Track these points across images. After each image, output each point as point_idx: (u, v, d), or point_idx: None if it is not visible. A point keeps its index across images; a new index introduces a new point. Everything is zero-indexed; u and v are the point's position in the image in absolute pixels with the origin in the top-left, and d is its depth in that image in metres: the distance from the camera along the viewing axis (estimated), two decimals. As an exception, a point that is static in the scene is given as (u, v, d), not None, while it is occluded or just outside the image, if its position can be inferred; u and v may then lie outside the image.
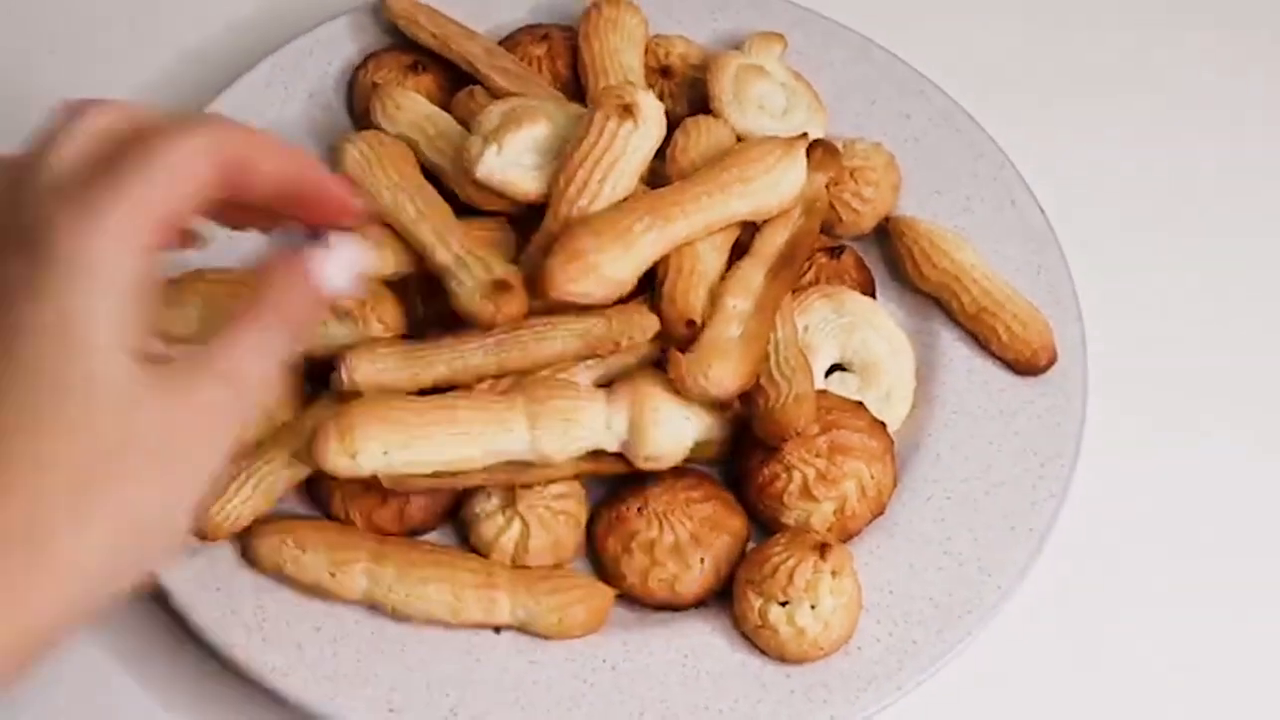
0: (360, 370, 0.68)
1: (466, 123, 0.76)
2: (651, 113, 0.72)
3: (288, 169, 0.51)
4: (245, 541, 0.67)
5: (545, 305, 0.69)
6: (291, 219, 0.54)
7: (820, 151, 0.75)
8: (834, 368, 0.74)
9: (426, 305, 0.73)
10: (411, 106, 0.76)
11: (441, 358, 0.69)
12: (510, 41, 0.83)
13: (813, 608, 0.65)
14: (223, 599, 0.66)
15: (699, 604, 0.68)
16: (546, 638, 0.66)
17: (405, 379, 0.68)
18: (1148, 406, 0.78)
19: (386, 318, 0.70)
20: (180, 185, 0.47)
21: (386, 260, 0.72)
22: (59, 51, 0.89)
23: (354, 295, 0.58)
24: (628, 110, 0.71)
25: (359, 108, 0.81)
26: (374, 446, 0.64)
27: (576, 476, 0.69)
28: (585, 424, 0.67)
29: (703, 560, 0.68)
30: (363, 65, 0.82)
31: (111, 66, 0.88)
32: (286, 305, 0.52)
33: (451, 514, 0.71)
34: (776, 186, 0.72)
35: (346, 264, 0.54)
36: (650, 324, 0.69)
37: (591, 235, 0.68)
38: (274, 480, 0.67)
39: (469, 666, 0.66)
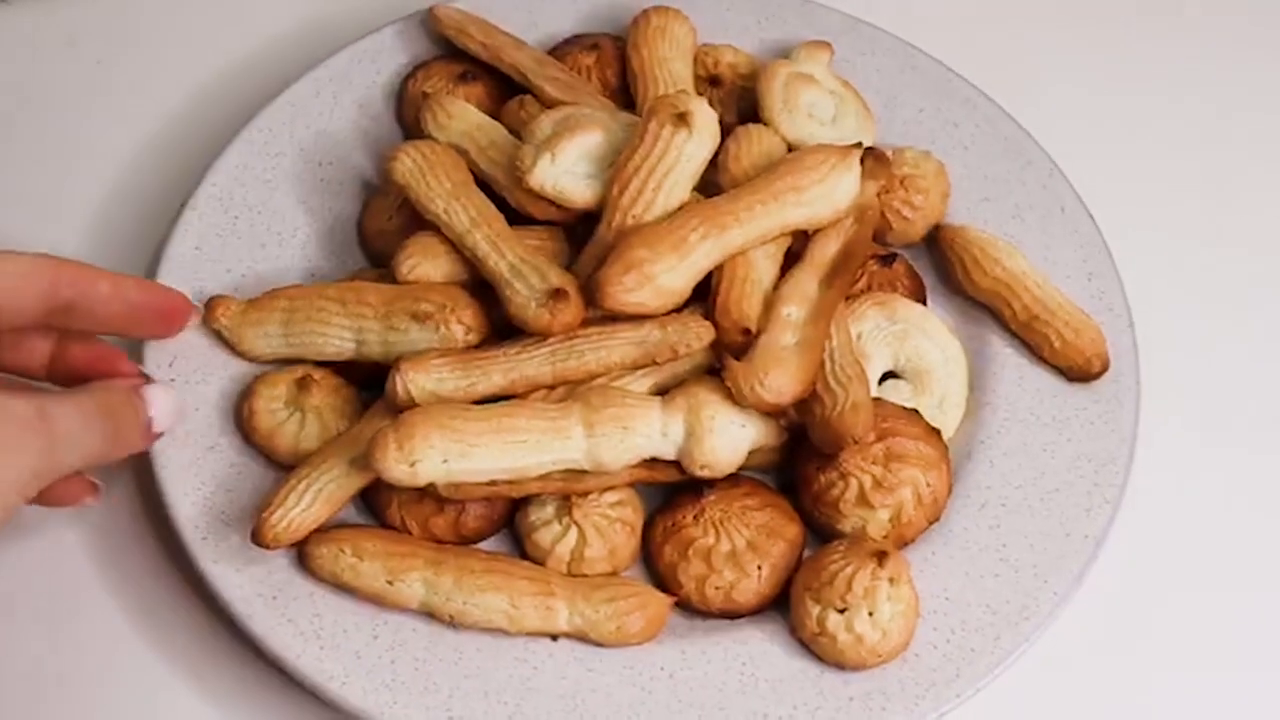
0: (416, 381, 0.68)
1: (517, 132, 0.76)
2: (705, 121, 0.72)
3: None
4: (302, 550, 0.67)
5: (600, 315, 0.70)
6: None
7: (871, 160, 0.75)
8: (887, 375, 0.74)
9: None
10: (462, 115, 0.77)
11: (497, 368, 0.69)
12: (559, 51, 0.83)
13: (870, 615, 0.65)
14: (279, 607, 0.66)
15: (756, 612, 0.68)
16: (604, 646, 0.66)
17: (461, 390, 0.68)
18: (1201, 411, 0.78)
19: (467, 319, 0.70)
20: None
21: (440, 269, 0.72)
22: (105, 62, 0.89)
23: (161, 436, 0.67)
24: (682, 119, 0.71)
25: (408, 117, 0.82)
26: (433, 455, 0.64)
27: (632, 484, 0.69)
28: (641, 432, 0.67)
29: (760, 568, 0.68)
30: (412, 75, 0.82)
31: (162, 78, 0.89)
32: (116, 410, 0.63)
33: (507, 522, 0.71)
34: (831, 195, 0.72)
35: (171, 411, 0.66)
36: (706, 331, 0.69)
37: (646, 245, 0.69)
38: (334, 489, 0.67)
39: (526, 675, 0.66)
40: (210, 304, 0.73)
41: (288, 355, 0.73)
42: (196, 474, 0.69)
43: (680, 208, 0.71)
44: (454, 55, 0.83)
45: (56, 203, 0.83)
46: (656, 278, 0.69)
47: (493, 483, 0.67)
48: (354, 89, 0.83)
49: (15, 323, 0.62)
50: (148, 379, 0.68)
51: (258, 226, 0.77)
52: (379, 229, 0.77)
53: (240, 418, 0.71)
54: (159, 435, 0.66)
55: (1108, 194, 0.81)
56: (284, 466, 0.70)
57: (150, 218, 0.82)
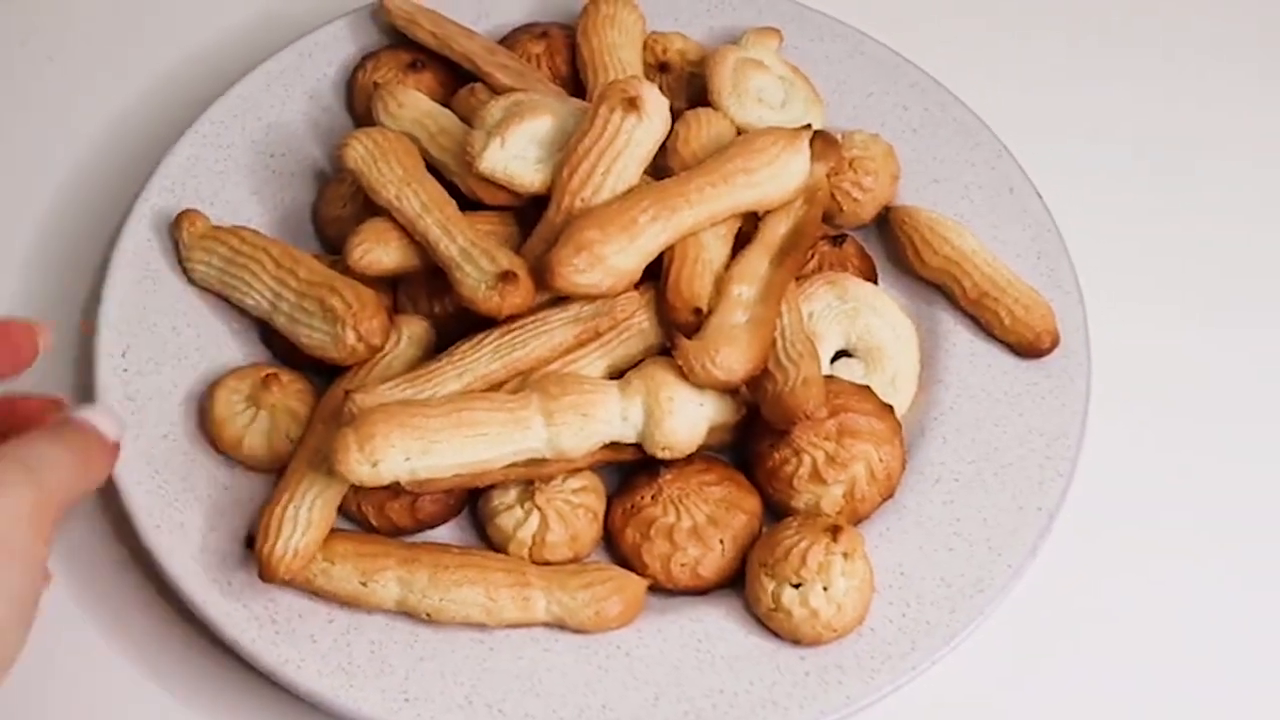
0: (365, 404, 0.67)
1: (468, 119, 0.76)
2: (655, 106, 0.73)
3: None
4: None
5: (549, 300, 0.70)
6: None
7: (820, 142, 0.75)
8: (839, 354, 0.75)
9: (435, 301, 0.73)
10: (413, 104, 0.77)
11: (449, 375, 0.68)
12: (509, 40, 0.84)
13: (825, 590, 0.65)
14: (233, 593, 0.66)
15: (721, 585, 0.68)
16: (582, 632, 0.66)
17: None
18: (1151, 385, 0.79)
19: (364, 329, 0.69)
20: None
21: (391, 255, 0.72)
22: (58, 58, 0.89)
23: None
24: (632, 103, 0.72)
25: (359, 108, 0.82)
26: (395, 454, 0.64)
27: (592, 466, 0.69)
28: (601, 418, 0.67)
29: (722, 541, 0.68)
30: (361, 65, 0.82)
31: (112, 71, 0.89)
32: (82, 438, 0.59)
33: (465, 506, 0.71)
34: (780, 177, 0.73)
35: (116, 423, 0.61)
36: (631, 299, 0.70)
37: (597, 226, 0.69)
38: (322, 504, 0.66)
39: (483, 655, 0.66)
40: (180, 215, 0.75)
41: (219, 290, 0.74)
42: (149, 462, 0.69)
43: (630, 190, 0.72)
44: (403, 45, 0.83)
45: (8, 199, 0.83)
46: (607, 258, 0.69)
47: (456, 476, 0.66)
48: (305, 81, 0.83)
49: None
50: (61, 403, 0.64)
51: (211, 218, 0.76)
52: (333, 216, 0.77)
53: (201, 401, 0.71)
54: (116, 446, 0.62)
55: (1055, 174, 0.82)
56: (225, 456, 0.70)
57: (102, 214, 0.82)
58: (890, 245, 0.79)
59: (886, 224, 0.79)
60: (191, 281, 0.74)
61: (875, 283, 0.77)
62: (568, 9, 0.86)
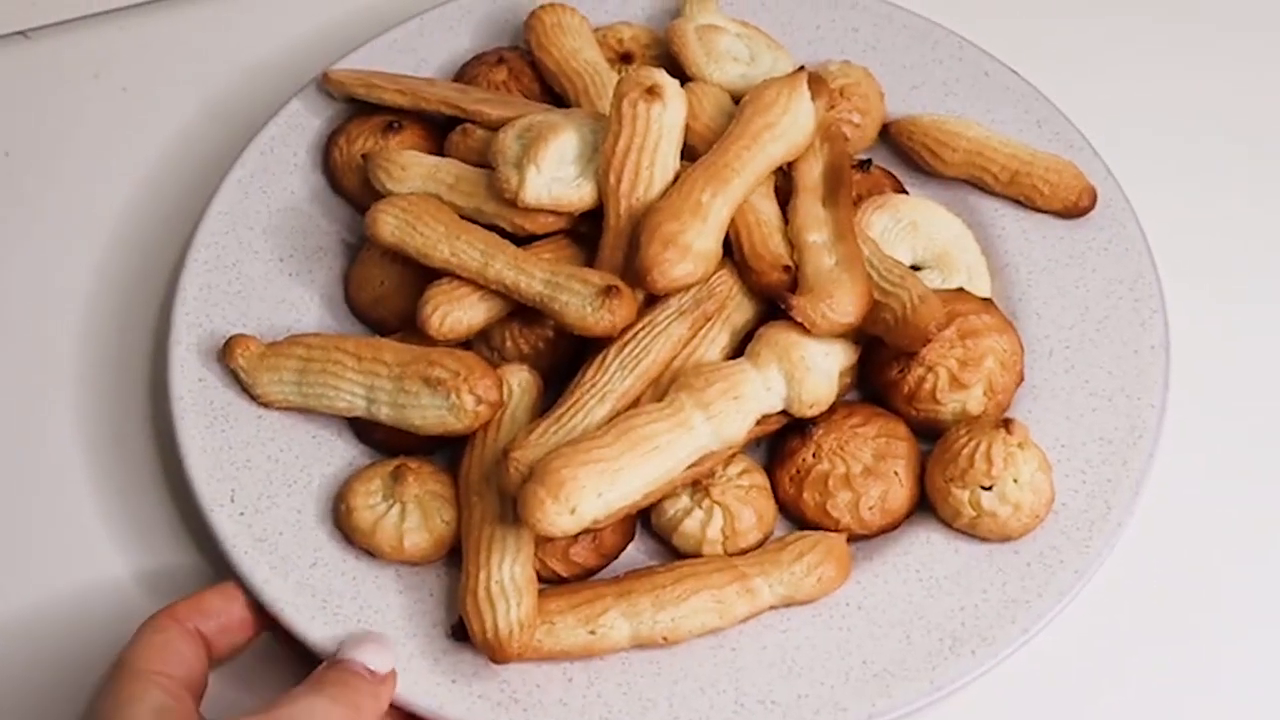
0: (526, 460, 0.65)
1: (473, 161, 0.75)
2: (673, 89, 0.73)
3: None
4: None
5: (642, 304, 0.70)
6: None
7: (811, 80, 0.77)
8: (912, 269, 0.76)
9: (517, 342, 0.72)
10: (415, 163, 0.75)
11: (590, 403, 0.67)
12: (466, 76, 0.82)
13: (1016, 481, 0.67)
14: (466, 686, 0.64)
15: (909, 516, 0.69)
16: (808, 602, 0.66)
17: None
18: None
19: (480, 390, 0.67)
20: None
21: (470, 311, 0.70)
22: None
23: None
24: (652, 92, 0.72)
25: (347, 185, 0.79)
26: (588, 493, 0.63)
27: (744, 447, 0.69)
28: (750, 395, 0.67)
29: (897, 472, 0.69)
30: (333, 143, 0.79)
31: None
32: (342, 682, 0.61)
33: (636, 529, 0.70)
34: (797, 122, 0.74)
35: (377, 648, 0.63)
36: (722, 277, 0.70)
37: (673, 218, 0.69)
38: (519, 570, 0.64)
39: (730, 658, 0.65)
40: (230, 342, 0.71)
41: (300, 405, 0.71)
42: (314, 595, 0.66)
43: (678, 176, 0.72)
44: (367, 111, 0.80)
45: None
46: (692, 245, 0.69)
47: (645, 495, 0.65)
48: (280, 177, 0.79)
49: (203, 684, 0.63)
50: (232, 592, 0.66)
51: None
52: (374, 298, 0.75)
53: (338, 518, 0.68)
54: (390, 677, 0.63)
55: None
56: (389, 562, 0.67)
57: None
58: (903, 158, 0.81)
59: (891, 139, 0.81)
60: (264, 406, 0.71)
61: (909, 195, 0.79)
62: (504, 31, 0.85)
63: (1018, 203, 0.78)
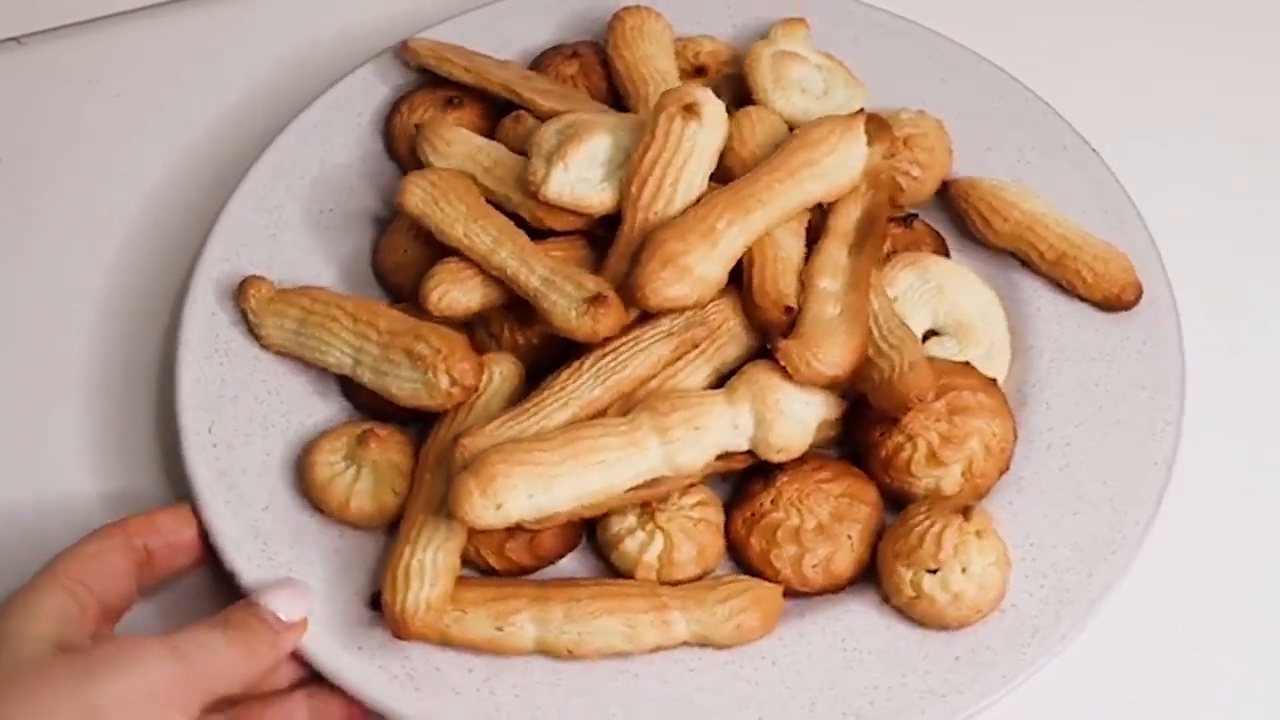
0: (475, 449, 0.65)
1: (516, 148, 0.75)
2: (714, 110, 0.72)
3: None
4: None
5: (637, 318, 0.69)
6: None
7: (872, 125, 0.75)
8: (929, 334, 0.74)
9: (516, 334, 0.72)
10: (461, 141, 0.76)
11: (552, 406, 0.67)
12: (540, 64, 0.83)
13: (964, 571, 0.65)
14: (366, 656, 0.65)
15: (854, 582, 0.68)
16: (725, 647, 0.65)
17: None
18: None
19: (457, 372, 0.68)
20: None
21: (469, 294, 0.71)
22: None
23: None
24: (691, 109, 0.71)
25: (400, 151, 0.80)
26: (518, 493, 0.63)
27: (705, 479, 0.69)
28: (713, 428, 0.66)
29: (850, 536, 0.67)
30: (396, 109, 0.81)
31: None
32: (239, 622, 0.62)
33: (584, 537, 0.70)
34: (842, 165, 0.72)
35: (293, 596, 0.65)
36: (720, 305, 0.69)
37: (678, 237, 0.68)
38: (445, 553, 0.65)
39: (630, 684, 0.65)
40: (244, 282, 0.73)
41: (296, 353, 0.73)
42: (256, 536, 0.68)
43: (701, 197, 0.71)
44: (435, 83, 0.82)
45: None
46: (693, 269, 0.68)
47: (579, 507, 0.65)
48: (340, 132, 0.81)
49: (125, 603, 0.64)
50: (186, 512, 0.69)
51: (273, 281, 0.74)
52: (395, 263, 0.76)
53: (299, 468, 0.70)
54: (296, 626, 0.64)
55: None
56: (331, 519, 0.69)
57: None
58: (956, 219, 0.79)
59: (949, 198, 0.79)
60: (264, 348, 0.73)
61: (948, 258, 0.77)
62: (589, 27, 0.85)
63: (1060, 285, 0.75)
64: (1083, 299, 0.75)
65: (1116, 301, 0.74)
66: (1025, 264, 0.76)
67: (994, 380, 0.70)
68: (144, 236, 0.83)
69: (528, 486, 0.63)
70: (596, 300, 0.68)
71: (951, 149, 0.79)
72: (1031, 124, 0.81)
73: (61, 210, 0.85)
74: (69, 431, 0.76)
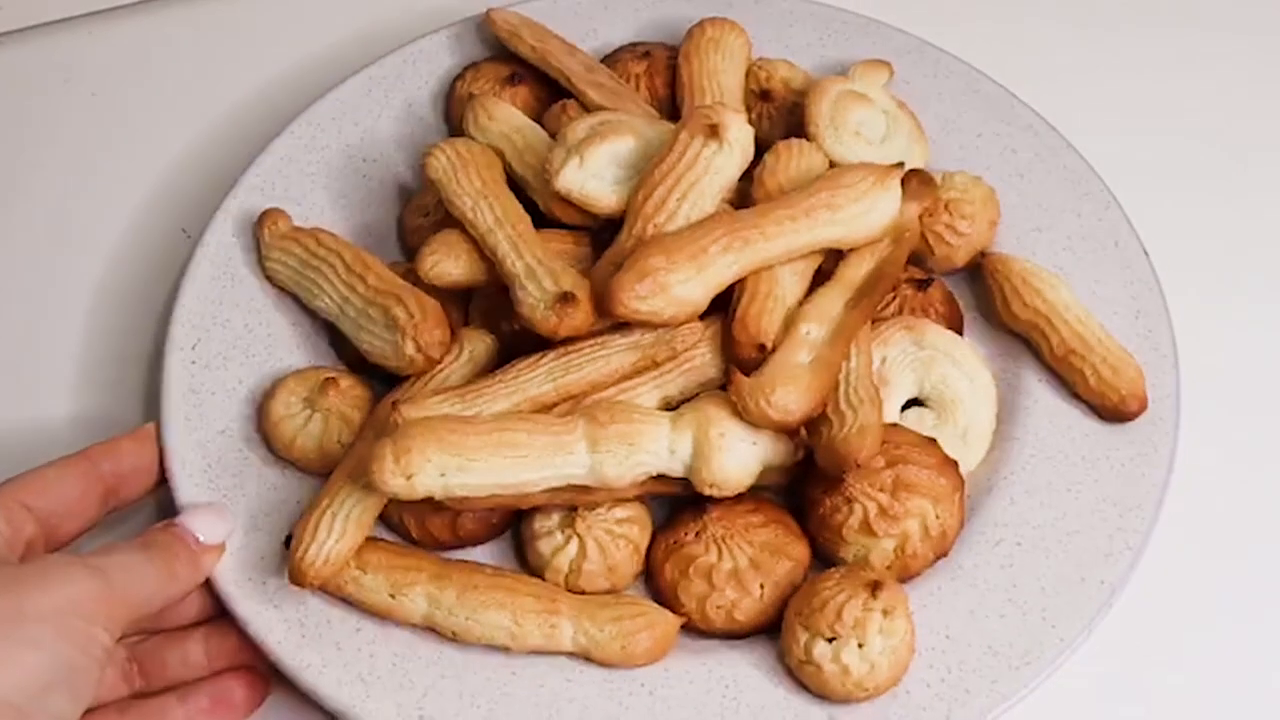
0: (411, 417, 0.66)
1: (557, 136, 0.76)
2: (738, 135, 0.71)
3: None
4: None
5: (612, 324, 0.69)
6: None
7: (916, 181, 0.73)
8: (912, 402, 0.72)
9: (504, 318, 0.73)
10: (504, 117, 0.76)
11: (499, 393, 0.68)
12: (612, 58, 0.83)
13: (860, 646, 0.63)
14: (266, 593, 0.66)
15: (758, 632, 0.66)
16: (609, 666, 0.65)
17: (466, 420, 0.67)
18: (1236, 462, 0.75)
19: (424, 340, 0.69)
20: None
21: (461, 267, 0.72)
22: (157, 57, 0.91)
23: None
24: (714, 131, 0.70)
25: (456, 117, 0.82)
26: (430, 469, 0.63)
27: (639, 497, 0.68)
28: (648, 449, 0.65)
29: (763, 586, 0.66)
30: (461, 76, 0.82)
31: (211, 79, 0.90)
32: (158, 544, 0.64)
33: (510, 526, 0.70)
34: (867, 215, 0.70)
35: (214, 521, 0.66)
36: (694, 329, 0.68)
37: (664, 254, 0.67)
38: (359, 512, 0.65)
39: (504, 680, 0.65)
40: (264, 214, 0.75)
41: (294, 291, 0.75)
42: (204, 455, 0.70)
43: (705, 218, 0.70)
44: (504, 58, 0.82)
45: (105, 192, 0.86)
46: (671, 287, 0.67)
47: (494, 495, 0.65)
48: (404, 89, 0.83)
49: (77, 527, 0.66)
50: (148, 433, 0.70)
51: (295, 219, 0.76)
52: (415, 225, 0.77)
53: (260, 403, 0.72)
54: (214, 549, 0.66)
55: (1166, 233, 0.77)
56: (278, 457, 0.71)
57: (198, 208, 0.83)
58: (981, 293, 0.76)
59: (979, 271, 0.76)
60: (269, 281, 0.75)
61: (960, 331, 0.74)
62: (675, 30, 0.84)
63: (1064, 381, 0.72)
64: (1083, 400, 0.71)
65: (1116, 410, 0.70)
66: (1037, 354, 0.73)
67: (954, 463, 0.68)
68: (126, 240, 0.84)
69: (441, 464, 0.63)
70: (565, 299, 0.67)
71: (997, 221, 0.76)
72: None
73: (40, 209, 0.86)
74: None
